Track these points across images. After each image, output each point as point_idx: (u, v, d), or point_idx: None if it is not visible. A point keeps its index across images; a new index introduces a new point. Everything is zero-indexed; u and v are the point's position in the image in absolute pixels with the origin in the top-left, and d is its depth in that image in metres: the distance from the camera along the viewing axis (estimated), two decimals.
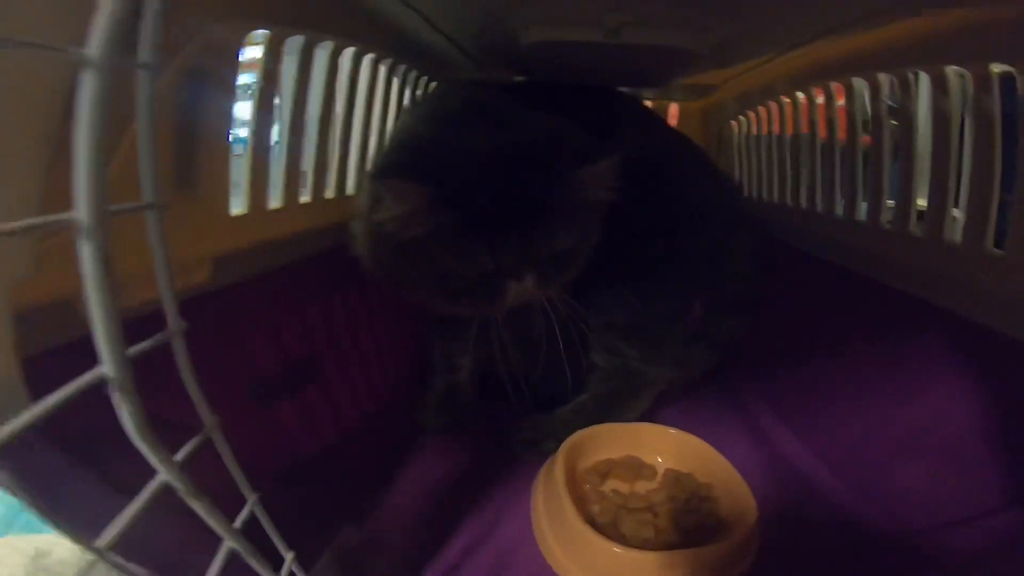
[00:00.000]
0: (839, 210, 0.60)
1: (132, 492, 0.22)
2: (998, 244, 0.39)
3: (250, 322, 0.43)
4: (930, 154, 0.46)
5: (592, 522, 0.42)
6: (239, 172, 0.43)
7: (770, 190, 0.80)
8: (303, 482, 0.43)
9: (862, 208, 0.57)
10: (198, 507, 0.24)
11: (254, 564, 0.29)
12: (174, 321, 0.21)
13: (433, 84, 0.77)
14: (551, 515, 0.43)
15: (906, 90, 0.49)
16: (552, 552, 0.42)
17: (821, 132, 0.65)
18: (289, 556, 0.29)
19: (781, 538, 0.43)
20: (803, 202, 0.69)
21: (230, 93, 0.39)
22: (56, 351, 0.26)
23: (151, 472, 0.19)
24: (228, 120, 0.40)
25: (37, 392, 0.21)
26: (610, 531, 0.42)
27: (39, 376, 0.24)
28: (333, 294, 0.55)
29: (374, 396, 0.59)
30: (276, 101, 0.46)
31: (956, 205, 0.46)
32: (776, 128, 0.77)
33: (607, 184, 0.42)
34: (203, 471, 0.21)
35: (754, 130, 0.85)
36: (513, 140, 0.42)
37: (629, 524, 0.42)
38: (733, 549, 0.39)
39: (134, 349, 0.16)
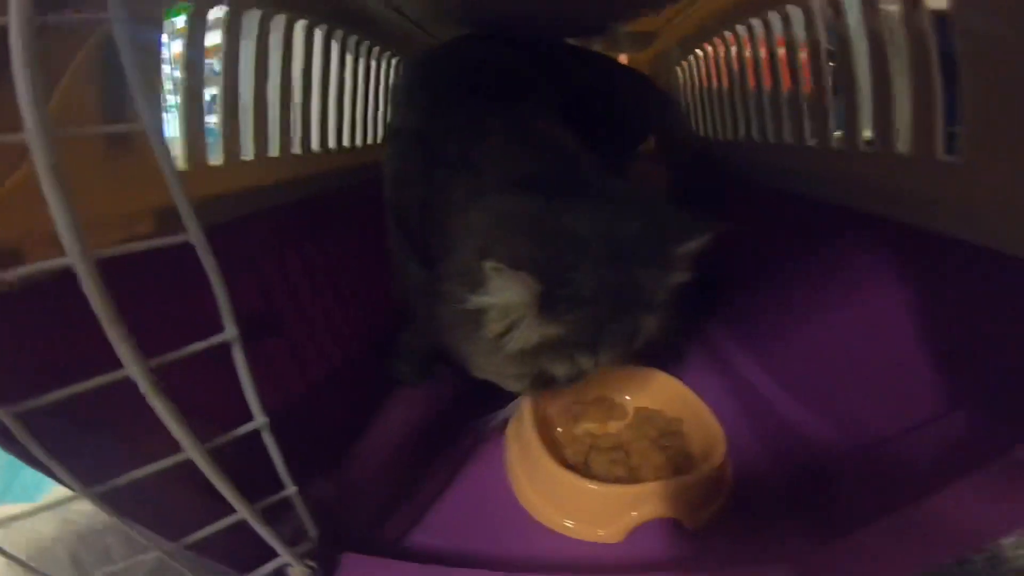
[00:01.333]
0: (787, 137, 0.62)
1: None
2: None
3: (200, 276, 0.41)
4: (870, 71, 0.47)
5: (564, 464, 0.43)
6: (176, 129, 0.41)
7: (720, 128, 0.82)
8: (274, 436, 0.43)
9: (809, 133, 0.59)
10: (220, 486, 0.25)
11: (269, 539, 0.30)
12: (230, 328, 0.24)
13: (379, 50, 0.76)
14: (523, 459, 0.44)
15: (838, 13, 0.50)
16: (526, 494, 0.43)
17: (764, 65, 0.67)
18: (292, 489, 0.30)
19: (750, 467, 0.45)
20: (754, 134, 0.72)
21: (158, 53, 0.38)
22: None
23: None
24: (159, 76, 0.39)
25: None
26: (582, 472, 0.43)
27: None
28: (288, 249, 0.55)
29: (343, 349, 0.59)
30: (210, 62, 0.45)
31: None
32: (715, 68, 0.79)
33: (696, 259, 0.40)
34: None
35: (698, 73, 0.87)
36: (618, 221, 0.38)
37: (600, 463, 0.44)
38: (702, 481, 0.40)
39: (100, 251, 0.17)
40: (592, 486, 0.39)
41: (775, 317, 0.57)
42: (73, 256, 0.18)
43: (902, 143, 0.42)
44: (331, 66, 0.65)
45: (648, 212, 0.40)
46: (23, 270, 0.19)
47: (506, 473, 0.46)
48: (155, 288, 0.33)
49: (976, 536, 0.25)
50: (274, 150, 0.56)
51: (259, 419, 0.27)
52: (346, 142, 0.70)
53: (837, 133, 0.53)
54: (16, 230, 0.27)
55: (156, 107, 0.40)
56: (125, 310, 0.21)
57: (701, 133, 0.89)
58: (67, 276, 0.18)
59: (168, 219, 0.38)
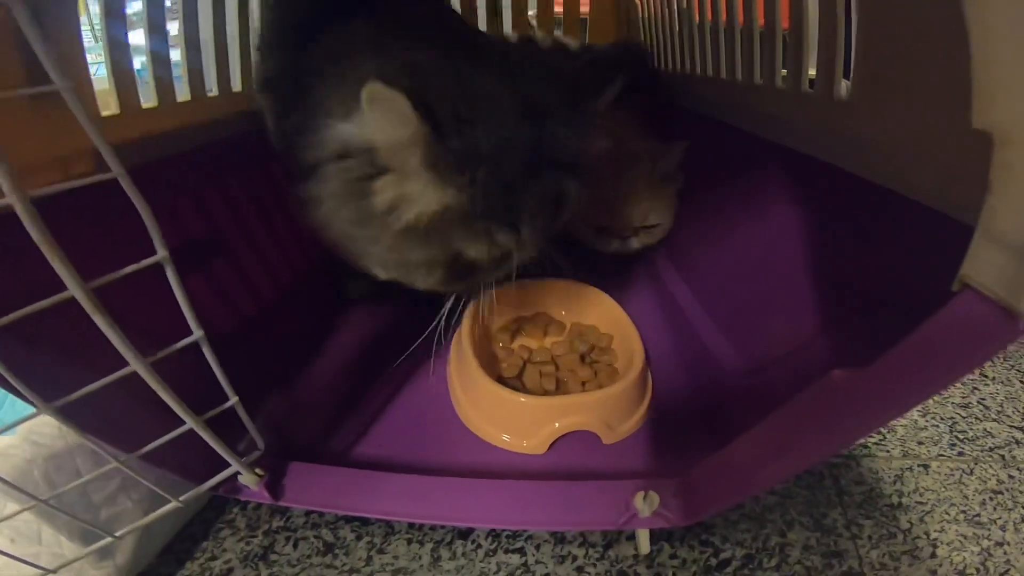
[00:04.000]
0: (723, 72, 0.63)
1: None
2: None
3: (175, 191, 0.44)
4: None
5: (500, 377, 0.47)
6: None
7: (668, 60, 0.82)
8: (224, 356, 0.46)
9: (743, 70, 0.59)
10: (166, 397, 0.28)
11: (217, 448, 0.34)
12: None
13: None
14: (461, 373, 0.48)
15: None
16: (462, 407, 0.48)
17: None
18: (234, 399, 0.33)
19: (670, 384, 0.49)
20: (700, 69, 0.71)
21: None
22: None
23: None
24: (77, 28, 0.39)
25: None
26: (515, 384, 0.47)
27: None
28: (232, 179, 0.57)
29: (293, 271, 0.62)
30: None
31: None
32: (668, 4, 0.78)
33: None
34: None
35: (655, 8, 0.86)
36: (525, 79, 0.34)
37: (531, 376, 0.48)
38: (619, 395, 0.44)
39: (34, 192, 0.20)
40: (517, 397, 0.43)
41: (702, 240, 0.60)
42: (11, 198, 0.20)
43: (805, 82, 0.44)
44: None
45: (557, 72, 0.35)
46: None
47: (447, 386, 0.50)
48: (99, 219, 0.35)
49: (807, 452, 0.28)
50: (236, 85, 0.58)
51: (196, 332, 0.30)
52: None
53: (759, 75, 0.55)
54: None
55: (78, 60, 0.40)
56: (71, 240, 0.23)
57: (660, 65, 0.89)
58: (11, 215, 0.21)
59: (146, 146, 0.40)
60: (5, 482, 0.29)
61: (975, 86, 0.22)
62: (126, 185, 0.25)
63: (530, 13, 1.02)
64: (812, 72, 0.43)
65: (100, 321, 0.26)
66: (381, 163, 0.32)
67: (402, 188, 0.32)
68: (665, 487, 0.36)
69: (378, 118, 0.29)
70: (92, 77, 0.41)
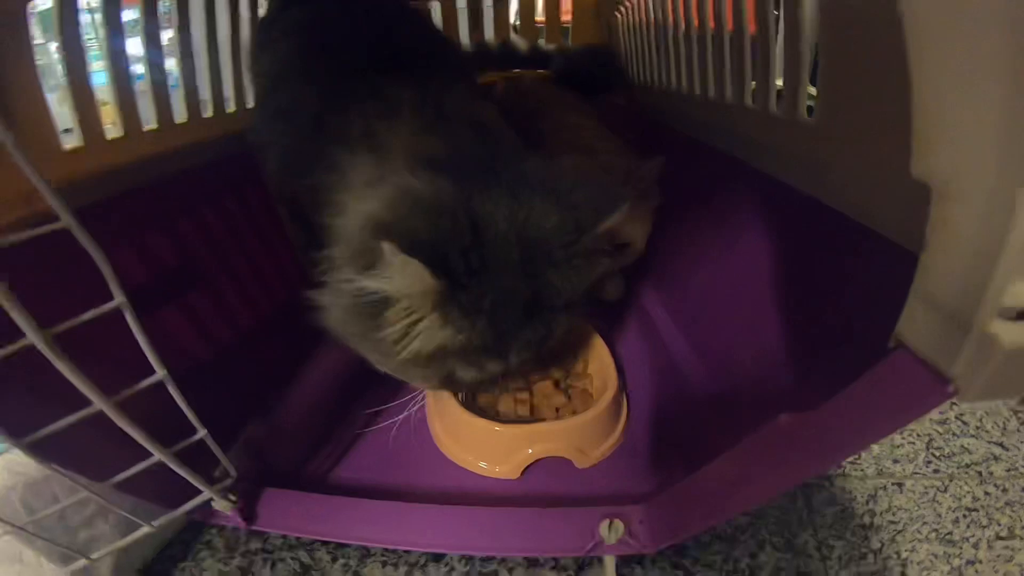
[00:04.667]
0: (696, 88, 0.62)
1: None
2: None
3: (111, 238, 0.44)
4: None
5: (476, 405, 0.48)
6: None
7: (646, 74, 0.83)
8: (203, 384, 0.47)
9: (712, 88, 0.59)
10: (132, 432, 0.29)
11: (188, 477, 0.34)
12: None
13: None
14: (437, 401, 0.49)
15: None
16: (437, 434, 0.48)
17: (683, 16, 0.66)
18: (203, 432, 0.34)
19: (644, 407, 0.50)
20: (671, 82, 0.71)
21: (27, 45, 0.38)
22: None
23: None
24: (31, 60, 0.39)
25: None
26: (490, 410, 0.48)
27: None
28: (207, 208, 0.57)
29: (271, 299, 0.62)
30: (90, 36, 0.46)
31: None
32: (645, 14, 0.78)
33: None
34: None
35: (634, 17, 0.86)
36: (534, 215, 0.35)
37: (506, 403, 0.48)
38: (591, 422, 0.44)
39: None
40: (491, 426, 0.44)
41: (680, 260, 0.59)
42: None
43: (774, 104, 0.44)
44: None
45: (565, 198, 0.36)
46: None
47: (426, 414, 0.51)
48: (61, 261, 0.35)
49: (756, 492, 0.29)
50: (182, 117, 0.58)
51: (160, 372, 0.30)
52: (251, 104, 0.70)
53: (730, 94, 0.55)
54: None
55: (34, 97, 0.40)
56: (31, 284, 0.24)
57: (638, 78, 0.89)
58: None
59: (68, 194, 0.40)
60: None
61: (915, 130, 0.21)
62: (78, 234, 0.25)
63: (512, 22, 1.03)
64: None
65: (62, 367, 0.26)
66: (395, 299, 0.34)
67: (411, 324, 0.34)
68: (632, 513, 0.36)
69: (396, 274, 0.32)
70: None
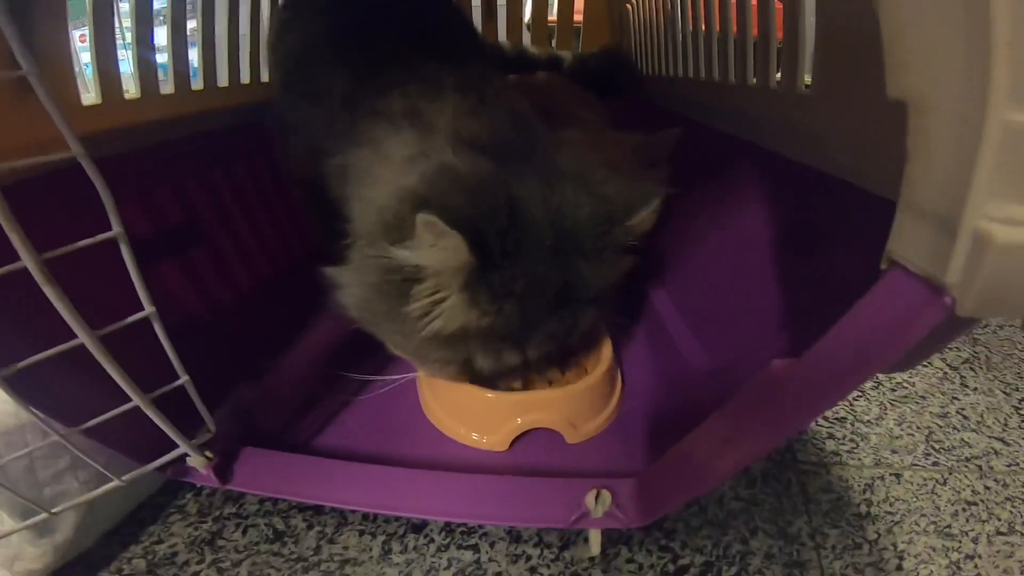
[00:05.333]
0: (702, 73, 0.63)
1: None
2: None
3: (119, 189, 0.43)
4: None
5: None
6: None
7: (656, 64, 0.83)
8: (197, 341, 0.45)
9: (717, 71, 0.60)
10: (112, 371, 0.28)
11: (164, 427, 0.33)
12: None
13: None
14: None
15: None
16: (427, 402, 0.47)
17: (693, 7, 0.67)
18: (185, 378, 0.33)
19: (640, 385, 0.49)
20: (679, 70, 0.72)
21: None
22: None
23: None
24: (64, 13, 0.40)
25: None
26: (484, 383, 0.46)
27: None
28: (215, 172, 0.58)
29: (271, 262, 0.62)
30: None
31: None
32: (654, 6, 0.79)
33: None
34: None
35: (643, 9, 0.86)
36: (567, 205, 0.35)
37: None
38: (581, 393, 0.43)
39: None
40: (479, 392, 0.42)
41: (679, 241, 0.59)
42: None
43: (773, 79, 0.44)
44: None
45: (598, 190, 0.36)
46: None
47: (416, 383, 0.49)
48: (67, 201, 0.35)
49: (749, 446, 0.28)
50: (245, 78, 0.62)
51: (148, 308, 0.30)
52: (265, 77, 0.70)
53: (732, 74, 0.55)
54: None
55: (61, 48, 0.40)
56: (35, 218, 0.24)
57: (647, 71, 0.89)
58: None
59: (89, 144, 0.40)
60: None
61: (887, 56, 0.20)
62: (85, 164, 0.26)
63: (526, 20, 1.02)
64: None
65: (50, 292, 0.25)
66: (423, 275, 0.34)
67: (436, 301, 0.34)
68: (620, 486, 0.35)
69: (431, 246, 0.31)
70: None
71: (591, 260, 0.36)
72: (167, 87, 0.54)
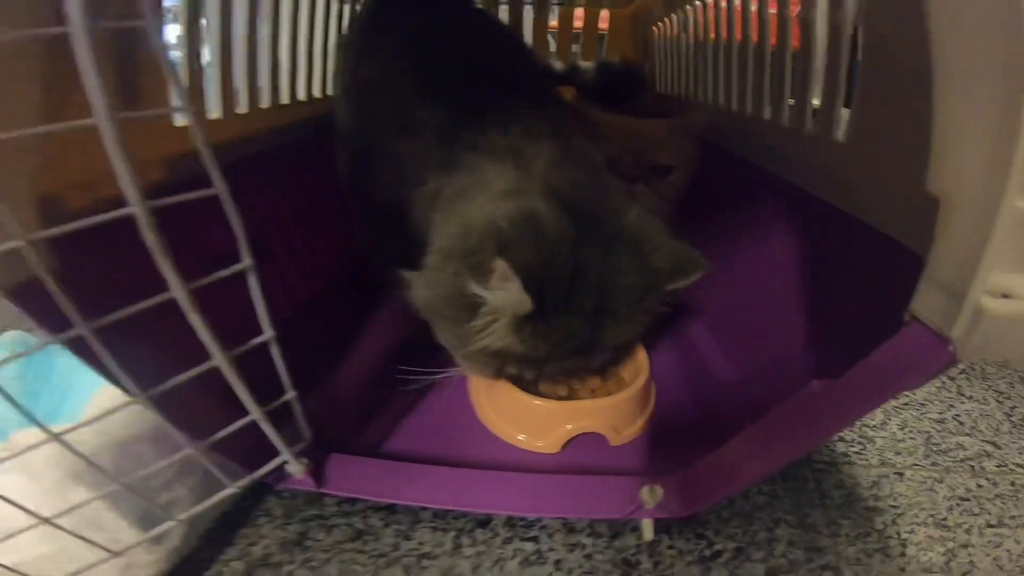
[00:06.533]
0: (733, 103, 0.68)
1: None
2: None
3: (206, 208, 0.48)
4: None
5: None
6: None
7: (683, 87, 0.88)
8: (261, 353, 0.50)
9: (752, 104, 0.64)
10: (238, 389, 0.33)
11: (273, 438, 0.38)
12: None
13: None
14: (482, 380, 0.52)
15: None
16: (483, 409, 0.52)
17: (724, 33, 0.72)
18: (292, 393, 0.38)
19: (671, 395, 0.54)
20: (707, 96, 0.77)
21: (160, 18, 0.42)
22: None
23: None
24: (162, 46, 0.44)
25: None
26: (531, 391, 0.51)
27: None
28: (274, 188, 0.62)
29: (321, 278, 0.67)
30: (203, 22, 0.49)
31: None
32: (693, 30, 0.84)
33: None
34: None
35: (672, 32, 0.92)
36: (621, 271, 0.40)
37: (546, 385, 0.51)
38: (626, 402, 0.49)
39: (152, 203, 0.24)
40: (534, 401, 0.48)
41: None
42: (135, 208, 0.25)
43: (808, 123, 0.50)
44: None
45: (648, 260, 0.41)
46: (96, 220, 0.26)
47: (468, 390, 0.55)
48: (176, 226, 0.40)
49: (785, 452, 0.34)
50: (302, 94, 0.66)
51: (267, 332, 0.35)
52: (317, 92, 0.76)
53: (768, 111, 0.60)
54: (59, 181, 0.34)
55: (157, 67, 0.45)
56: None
57: (667, 89, 0.95)
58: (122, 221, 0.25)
59: (175, 164, 0.45)
60: (94, 464, 0.34)
61: (932, 154, 0.27)
62: (225, 201, 0.30)
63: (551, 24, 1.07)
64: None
65: (194, 320, 0.30)
66: (486, 303, 0.39)
67: (490, 322, 0.40)
68: (667, 482, 0.41)
69: (498, 287, 0.37)
70: None
71: (620, 321, 0.41)
72: (243, 106, 0.57)
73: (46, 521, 0.33)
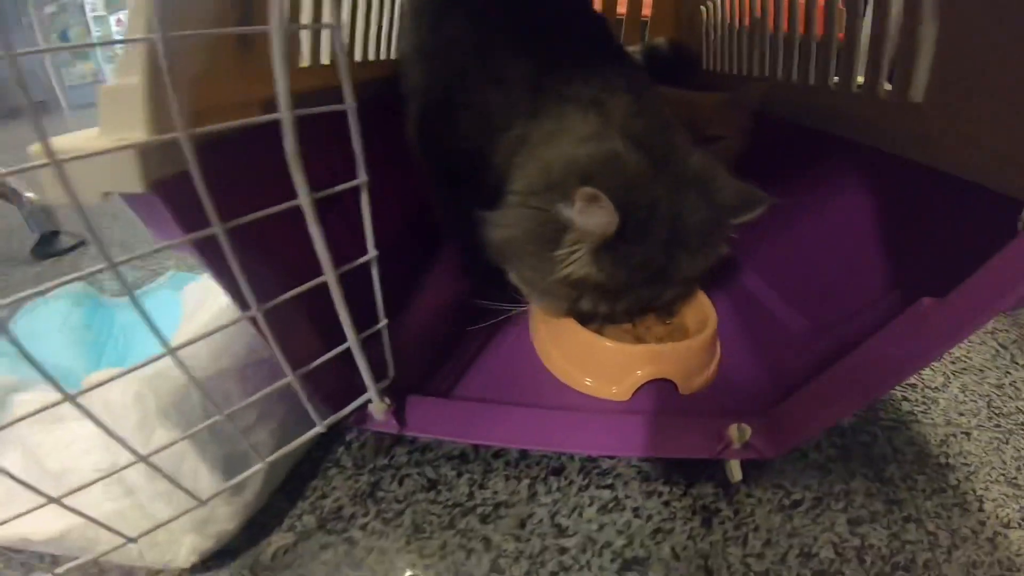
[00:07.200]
0: (794, 75, 0.68)
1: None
2: None
3: (312, 141, 0.47)
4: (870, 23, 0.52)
5: None
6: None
7: (735, 64, 0.89)
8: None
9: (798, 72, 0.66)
10: (341, 308, 0.33)
11: (363, 369, 0.38)
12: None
13: None
14: (548, 323, 0.53)
15: None
16: (551, 357, 0.52)
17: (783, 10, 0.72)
18: (384, 321, 0.38)
19: (736, 347, 0.55)
20: (765, 71, 0.77)
21: None
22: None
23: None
24: None
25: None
26: (581, 319, 0.51)
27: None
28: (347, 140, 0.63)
29: (388, 227, 0.65)
30: None
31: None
32: (737, 9, 0.85)
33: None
34: None
35: (720, 14, 0.94)
36: (689, 207, 0.43)
37: (612, 332, 0.52)
38: (696, 348, 0.49)
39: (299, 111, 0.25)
40: (607, 343, 0.48)
41: (766, 222, 0.64)
42: (283, 113, 0.26)
43: (882, 88, 0.50)
44: None
45: (714, 197, 0.44)
46: (248, 121, 0.26)
47: (531, 341, 0.55)
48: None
49: (892, 374, 0.34)
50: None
51: (371, 252, 0.35)
52: (383, 55, 0.76)
53: (835, 78, 0.61)
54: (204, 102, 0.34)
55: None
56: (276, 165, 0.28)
57: (717, 68, 0.96)
58: (246, 135, 0.25)
59: (270, 108, 0.45)
60: (201, 390, 0.33)
61: None
62: (351, 115, 0.31)
63: None
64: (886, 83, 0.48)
65: (314, 230, 0.31)
66: (571, 229, 0.41)
67: (573, 251, 0.42)
68: (752, 423, 0.40)
69: (587, 211, 0.39)
70: None
71: (692, 253, 0.44)
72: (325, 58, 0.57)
73: (143, 459, 0.32)
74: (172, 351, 0.30)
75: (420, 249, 0.70)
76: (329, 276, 0.33)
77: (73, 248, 0.97)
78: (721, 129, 0.69)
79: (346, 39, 0.69)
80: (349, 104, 0.30)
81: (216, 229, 0.27)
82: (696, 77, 1.01)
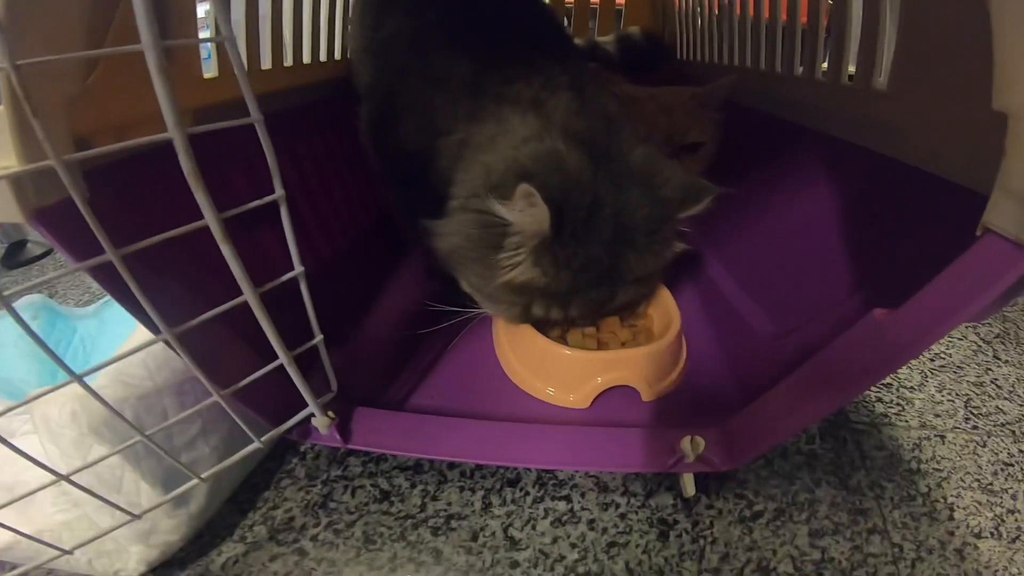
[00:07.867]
0: (762, 64, 0.67)
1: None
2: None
3: (230, 161, 0.46)
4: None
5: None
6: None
7: (706, 52, 0.87)
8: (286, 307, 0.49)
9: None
10: (267, 327, 0.31)
11: (300, 386, 0.37)
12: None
13: None
14: (508, 331, 0.52)
15: None
16: (511, 365, 0.51)
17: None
18: (319, 336, 0.37)
19: (703, 349, 0.53)
20: (735, 60, 0.76)
21: None
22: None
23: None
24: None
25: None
26: (537, 327, 0.49)
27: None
28: (314, 137, 0.61)
29: (345, 234, 0.65)
30: None
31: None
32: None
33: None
34: None
35: (692, 1, 0.91)
36: (633, 204, 0.41)
37: (575, 337, 0.51)
38: (658, 353, 0.47)
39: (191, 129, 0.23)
40: (565, 351, 0.47)
41: (736, 217, 0.62)
42: (172, 132, 0.24)
43: (845, 75, 0.48)
44: None
45: (658, 192, 0.42)
46: (131, 143, 0.24)
47: (494, 348, 0.53)
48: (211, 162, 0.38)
49: (851, 385, 0.32)
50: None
51: (298, 268, 0.33)
52: (337, 55, 0.74)
53: (800, 67, 0.59)
54: (91, 123, 0.32)
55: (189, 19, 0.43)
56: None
57: (690, 57, 0.93)
58: (156, 151, 0.24)
59: (201, 116, 0.43)
60: (114, 411, 0.32)
61: (996, 75, 0.26)
62: (260, 129, 0.29)
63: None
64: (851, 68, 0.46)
65: (226, 251, 0.29)
66: (511, 232, 0.41)
67: (516, 253, 0.41)
68: (707, 435, 0.39)
69: (522, 210, 0.38)
70: None
71: (639, 251, 0.42)
72: (267, 63, 0.55)
73: (63, 479, 0.31)
74: (79, 377, 0.29)
75: (388, 251, 0.68)
76: (249, 295, 0.31)
77: (42, 256, 0.96)
78: (699, 135, 0.67)
79: (309, 39, 0.67)
80: (255, 117, 0.28)
81: (110, 255, 0.26)
82: (670, 66, 0.98)
